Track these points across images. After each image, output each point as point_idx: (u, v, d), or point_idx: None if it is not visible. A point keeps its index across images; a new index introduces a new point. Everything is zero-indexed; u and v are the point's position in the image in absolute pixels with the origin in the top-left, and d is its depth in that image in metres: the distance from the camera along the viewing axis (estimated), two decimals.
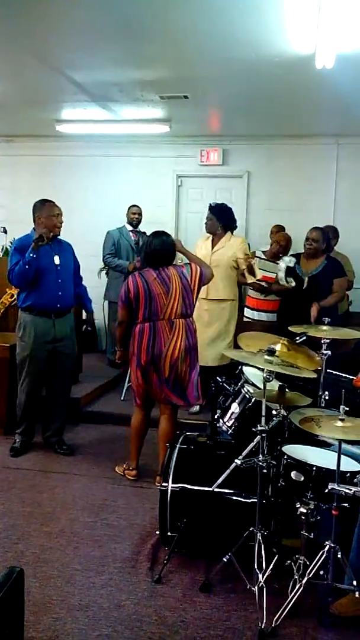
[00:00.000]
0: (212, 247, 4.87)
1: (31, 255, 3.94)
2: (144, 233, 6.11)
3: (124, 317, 3.79)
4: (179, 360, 3.66)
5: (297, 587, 2.47)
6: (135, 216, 6.23)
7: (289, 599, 2.47)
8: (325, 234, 4.82)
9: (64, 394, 4.42)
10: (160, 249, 3.71)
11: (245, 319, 5.44)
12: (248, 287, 5.46)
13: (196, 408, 5.04)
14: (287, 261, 4.59)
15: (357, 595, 2.41)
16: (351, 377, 3.27)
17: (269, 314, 5.37)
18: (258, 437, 2.69)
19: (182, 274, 3.68)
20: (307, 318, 4.29)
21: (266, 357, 2.71)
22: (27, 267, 3.95)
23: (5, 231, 6.18)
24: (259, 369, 2.85)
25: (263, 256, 5.47)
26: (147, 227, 6.07)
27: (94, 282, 6.11)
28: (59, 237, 4.29)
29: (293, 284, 4.64)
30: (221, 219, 4.87)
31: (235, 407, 3.12)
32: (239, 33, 3.72)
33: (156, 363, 3.67)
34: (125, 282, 3.77)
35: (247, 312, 5.48)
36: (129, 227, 6.21)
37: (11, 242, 5.95)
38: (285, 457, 2.63)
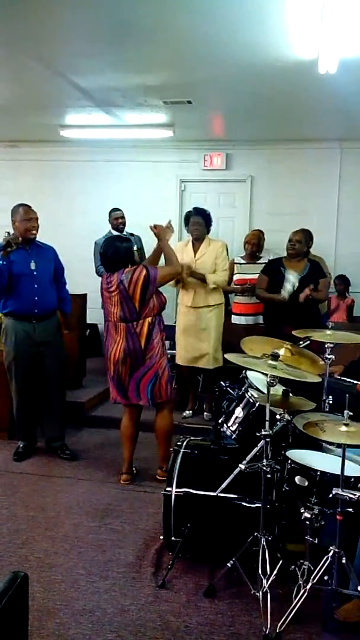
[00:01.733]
0: (195, 253, 4.81)
1: (1, 262, 3.93)
2: (132, 235, 5.97)
3: None
4: (119, 361, 3.77)
5: (301, 592, 2.46)
6: (118, 221, 6.05)
7: (293, 604, 2.46)
8: (307, 236, 4.85)
9: (57, 398, 4.40)
10: (108, 255, 3.80)
11: (232, 324, 5.46)
12: (233, 293, 5.47)
13: (188, 413, 5.12)
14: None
15: None
16: (355, 382, 3.27)
17: (250, 317, 5.39)
18: (262, 442, 2.69)
19: (121, 282, 3.69)
20: (301, 319, 4.29)
21: (270, 361, 2.71)
22: None
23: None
24: (262, 373, 2.85)
25: (242, 261, 5.49)
26: (151, 232, 6.07)
27: (98, 285, 6.08)
28: (38, 241, 4.28)
29: (286, 298, 4.60)
30: (207, 224, 4.83)
31: (239, 412, 3.11)
32: (242, 38, 3.73)
33: (106, 361, 3.88)
34: None
35: (234, 319, 5.49)
36: (115, 233, 6.04)
37: None
38: (290, 461, 2.63)
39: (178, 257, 4.79)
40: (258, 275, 5.00)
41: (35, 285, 4.15)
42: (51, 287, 4.30)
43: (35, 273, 4.16)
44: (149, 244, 5.19)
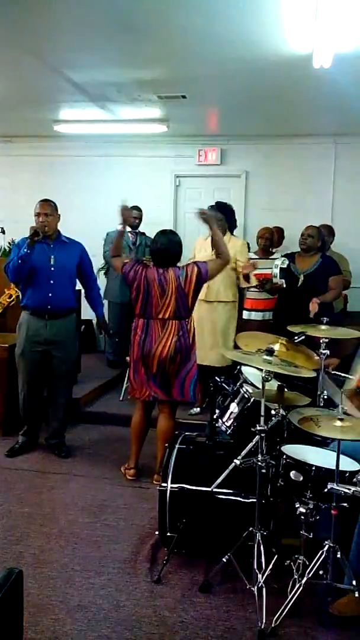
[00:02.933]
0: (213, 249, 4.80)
1: (25, 250, 3.90)
2: (143, 233, 6.10)
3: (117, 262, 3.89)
4: (167, 359, 3.69)
5: (296, 587, 2.47)
6: (135, 220, 6.19)
7: (288, 599, 2.46)
8: (320, 231, 4.84)
9: (61, 398, 4.36)
10: (164, 248, 3.73)
11: (242, 320, 5.46)
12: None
13: (196, 410, 5.05)
14: (280, 262, 4.58)
15: (356, 595, 2.41)
16: (350, 377, 3.27)
17: (263, 312, 5.39)
18: (257, 437, 2.69)
19: (178, 278, 3.67)
20: (303, 316, 4.29)
21: (265, 357, 2.71)
22: (19, 262, 3.92)
23: (3, 231, 6.18)
24: (257, 369, 2.85)
25: (255, 256, 5.49)
26: (146, 227, 6.07)
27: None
28: (66, 236, 4.26)
29: (284, 284, 4.62)
30: (229, 219, 4.81)
31: (234, 407, 3.12)
32: (236, 33, 3.72)
33: (145, 359, 3.74)
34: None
35: (245, 314, 5.49)
36: (128, 229, 6.21)
37: (10, 243, 5.96)
38: (285, 456, 2.63)
39: (196, 253, 4.81)
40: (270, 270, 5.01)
41: (51, 281, 4.10)
42: (70, 285, 4.24)
43: (52, 269, 4.10)
44: None
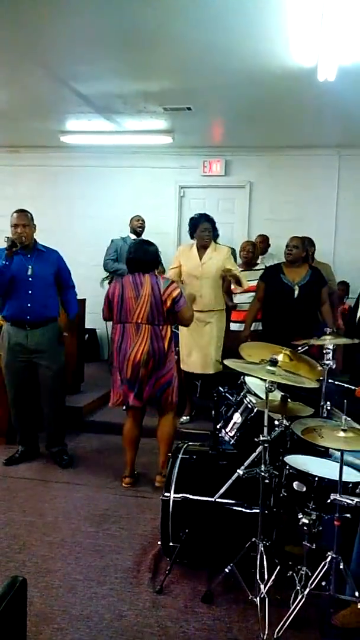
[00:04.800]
0: (200, 258, 4.82)
1: (3, 262, 3.92)
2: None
3: (105, 313, 3.94)
4: (140, 363, 3.73)
5: (299, 598, 2.45)
6: (138, 223, 6.35)
7: (290, 610, 2.45)
8: (304, 242, 4.89)
9: (52, 406, 4.33)
10: (135, 257, 3.84)
11: (231, 332, 5.47)
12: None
13: (186, 418, 5.11)
14: None
15: (359, 606, 2.40)
16: (353, 387, 3.27)
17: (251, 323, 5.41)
18: (260, 447, 2.69)
19: (156, 283, 3.74)
20: (301, 324, 4.38)
21: (268, 367, 2.72)
22: None
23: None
24: (261, 379, 2.86)
25: (240, 269, 5.51)
26: (151, 237, 6.07)
27: (97, 290, 6.12)
28: (42, 245, 4.26)
29: None
30: (215, 230, 4.87)
31: (237, 417, 3.12)
32: (242, 45, 3.76)
33: (120, 364, 3.80)
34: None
35: (233, 326, 5.50)
36: (133, 236, 6.29)
37: None
38: (288, 467, 2.63)
39: (182, 261, 4.86)
40: (256, 281, 5.04)
41: (29, 291, 4.10)
42: (49, 293, 4.22)
43: (30, 279, 4.11)
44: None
